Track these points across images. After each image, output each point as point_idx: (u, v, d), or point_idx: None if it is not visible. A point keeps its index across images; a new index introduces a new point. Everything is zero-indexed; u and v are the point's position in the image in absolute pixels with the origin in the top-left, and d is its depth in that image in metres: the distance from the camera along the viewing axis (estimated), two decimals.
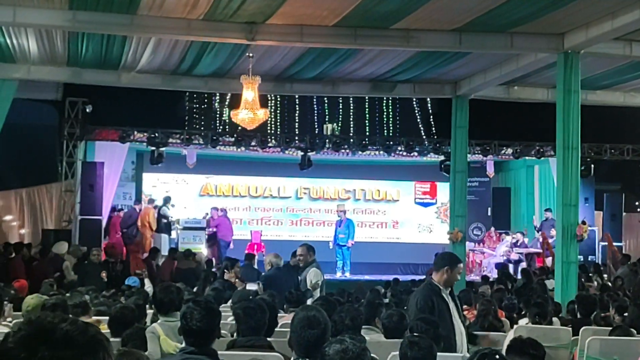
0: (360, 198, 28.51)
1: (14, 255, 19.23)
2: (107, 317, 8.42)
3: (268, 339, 6.62)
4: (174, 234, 23.90)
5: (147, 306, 10.44)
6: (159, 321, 7.50)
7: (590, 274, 19.97)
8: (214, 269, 20.35)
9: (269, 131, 24.74)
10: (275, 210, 27.85)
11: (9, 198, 23.48)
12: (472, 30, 15.54)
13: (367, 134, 25.84)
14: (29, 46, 17.47)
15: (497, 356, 4.79)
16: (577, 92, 15.47)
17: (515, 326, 9.98)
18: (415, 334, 6.36)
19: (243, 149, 24.15)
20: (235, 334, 7.46)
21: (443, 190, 27.24)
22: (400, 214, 28.70)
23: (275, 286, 11.93)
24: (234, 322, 8.92)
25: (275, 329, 7.76)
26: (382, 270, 25.67)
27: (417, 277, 22.04)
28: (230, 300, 11.26)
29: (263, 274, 14.08)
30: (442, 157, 24.50)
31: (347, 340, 4.46)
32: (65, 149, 22.94)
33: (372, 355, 4.73)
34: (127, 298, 11.99)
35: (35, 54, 18.06)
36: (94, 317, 9.05)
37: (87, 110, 22.45)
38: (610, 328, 9.28)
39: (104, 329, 8.19)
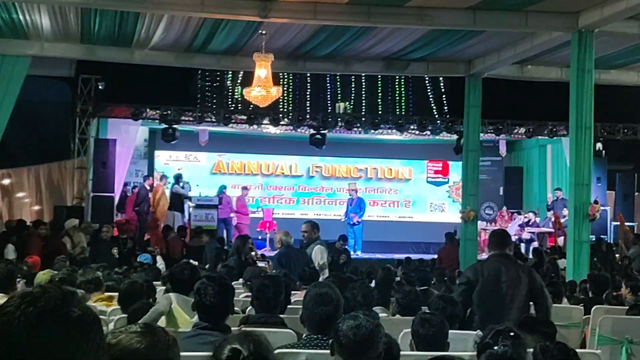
0: (372, 177, 28.51)
1: (28, 232, 19.29)
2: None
3: (285, 315, 6.63)
4: (186, 212, 23.95)
5: (160, 283, 10.49)
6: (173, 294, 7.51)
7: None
8: (225, 247, 20.42)
9: (281, 109, 24.70)
10: (287, 188, 27.87)
11: (22, 175, 23.52)
12: (486, 8, 15.50)
13: (380, 112, 25.78)
14: (42, 23, 17.47)
15: (512, 333, 4.79)
16: (590, 71, 15.41)
17: None
18: (427, 311, 6.36)
19: (255, 127, 24.13)
20: (247, 311, 7.50)
21: (455, 169, 27.25)
22: (412, 193, 28.70)
23: (286, 264, 11.94)
24: (246, 298, 8.98)
25: (288, 306, 7.79)
26: (394, 248, 25.67)
27: (428, 256, 22.06)
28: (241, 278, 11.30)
29: (275, 252, 14.08)
30: (455, 137, 24.43)
31: (360, 316, 4.47)
32: (78, 126, 22.94)
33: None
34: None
35: (49, 30, 18.06)
36: (106, 293, 9.09)
37: (100, 87, 22.43)
38: (622, 307, 9.27)
39: (115, 304, 8.24)
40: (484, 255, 23.34)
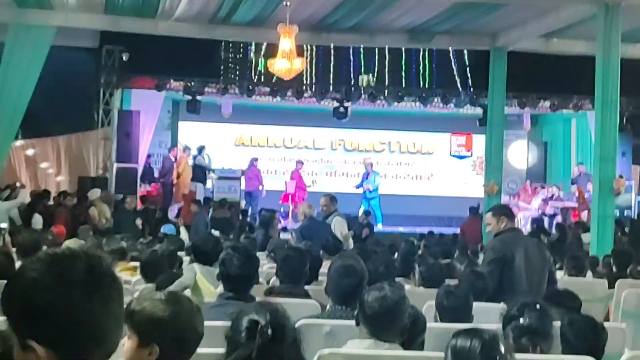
0: (395, 150, 28.51)
1: (54, 203, 19.42)
2: None
3: (309, 286, 6.64)
4: (209, 184, 24.02)
5: (184, 253, 10.54)
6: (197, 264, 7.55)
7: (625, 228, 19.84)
8: (248, 218, 20.50)
9: (304, 82, 24.64)
10: (310, 161, 27.86)
11: (46, 145, 23.65)
12: None
13: (403, 85, 25.66)
14: None
15: (538, 306, 4.79)
16: (617, 45, 15.27)
17: None
18: (451, 284, 6.37)
19: (278, 99, 24.12)
20: (272, 281, 7.53)
21: (479, 142, 27.16)
22: (436, 167, 28.68)
23: (309, 236, 11.97)
24: (270, 270, 9.02)
25: None
26: (417, 222, 25.65)
27: (451, 230, 22.04)
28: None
29: (298, 225, 14.10)
30: (480, 110, 24.34)
31: (386, 288, 4.49)
32: (102, 97, 23.01)
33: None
34: None
35: (73, 1, 18.08)
36: (131, 263, 9.15)
37: (124, 58, 22.43)
38: None
39: (139, 274, 8.29)
40: None
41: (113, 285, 2.05)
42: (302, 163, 25.79)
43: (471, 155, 28.76)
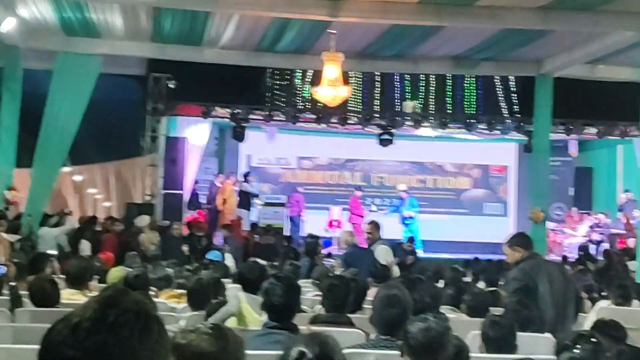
0: (431, 186, 28.41)
1: (102, 229, 19.59)
2: None
3: (354, 315, 6.65)
4: (254, 210, 24.14)
5: (230, 280, 10.59)
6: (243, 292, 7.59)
7: None
8: (293, 245, 20.53)
9: (349, 108, 24.71)
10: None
11: (94, 172, 23.91)
12: (558, 8, 15.37)
13: (449, 111, 25.66)
14: (114, 21, 17.76)
15: (593, 338, 4.78)
16: None
17: (596, 306, 9.87)
18: (496, 314, 6.35)
19: (324, 125, 24.20)
20: (317, 310, 7.55)
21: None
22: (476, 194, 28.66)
23: (353, 264, 11.97)
24: (315, 297, 9.04)
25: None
26: (462, 249, 25.51)
27: (496, 257, 21.92)
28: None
29: (343, 253, 14.08)
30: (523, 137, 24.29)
31: (430, 319, 4.50)
32: (149, 124, 23.23)
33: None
34: None
35: (121, 29, 18.34)
36: (177, 290, 9.21)
37: (171, 85, 22.67)
38: None
39: (185, 302, 8.33)
40: (552, 256, 23.22)
41: (158, 325, 2.09)
42: (361, 189, 25.84)
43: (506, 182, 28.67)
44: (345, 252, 13.15)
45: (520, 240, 8.44)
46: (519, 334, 5.86)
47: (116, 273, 9.64)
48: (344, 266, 12.18)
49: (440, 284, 10.87)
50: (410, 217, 24.80)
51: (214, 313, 6.90)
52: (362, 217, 24.21)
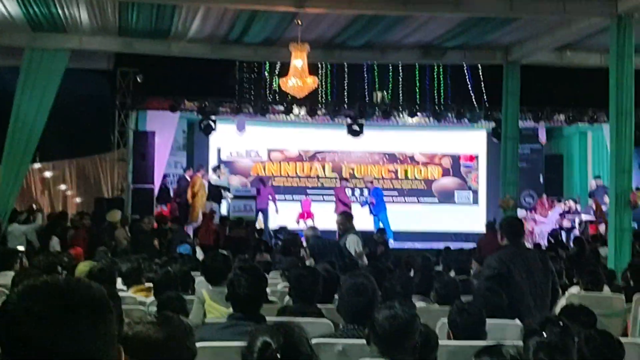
0: (402, 178, 28.39)
1: (71, 225, 19.47)
2: None
3: (324, 305, 6.62)
4: (224, 203, 24.06)
5: (199, 273, 10.54)
6: (207, 288, 7.54)
7: None
8: (264, 238, 20.50)
9: (318, 99, 24.69)
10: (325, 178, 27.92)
11: (63, 168, 23.77)
12: None
13: (417, 101, 25.69)
14: (80, 16, 17.57)
15: (561, 322, 4.77)
16: (630, 56, 15.21)
17: (567, 292, 9.89)
18: (464, 301, 6.33)
19: (293, 117, 24.16)
20: (285, 301, 7.51)
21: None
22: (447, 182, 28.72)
23: (319, 256, 11.92)
24: (284, 289, 9.00)
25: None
26: (433, 238, 25.59)
27: (468, 245, 21.94)
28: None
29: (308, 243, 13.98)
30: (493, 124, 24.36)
31: (396, 306, 4.47)
32: (117, 119, 23.12)
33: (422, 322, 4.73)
34: None
35: (87, 24, 18.17)
36: (147, 284, 9.14)
37: (139, 80, 22.57)
38: None
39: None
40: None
41: (109, 313, 2.07)
42: (347, 180, 25.90)
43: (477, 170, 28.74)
44: (309, 245, 13.08)
45: (506, 227, 8.42)
46: (488, 320, 5.84)
47: (83, 268, 9.51)
48: (313, 259, 12.13)
49: (411, 273, 10.85)
50: (372, 204, 24.87)
51: (167, 305, 6.81)
52: (349, 205, 24.24)
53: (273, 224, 23.86)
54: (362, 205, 25.21)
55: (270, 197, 24.38)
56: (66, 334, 1.97)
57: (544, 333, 4.65)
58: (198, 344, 3.68)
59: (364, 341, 4.70)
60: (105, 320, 2.06)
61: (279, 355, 3.18)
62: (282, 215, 24.40)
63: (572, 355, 4.70)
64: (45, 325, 1.96)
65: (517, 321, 6.41)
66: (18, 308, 2.00)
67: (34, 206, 20.39)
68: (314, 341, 4.83)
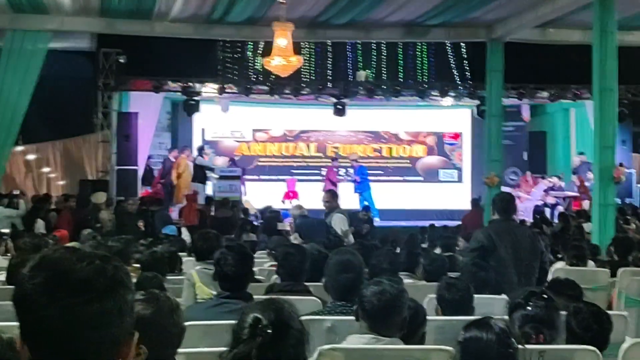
0: (387, 155, 28.41)
1: (56, 207, 19.43)
2: None
3: (316, 283, 6.64)
4: (209, 183, 24.02)
5: (186, 254, 10.55)
6: (196, 268, 7.56)
7: (628, 217, 19.81)
8: (250, 218, 20.48)
9: (302, 79, 24.64)
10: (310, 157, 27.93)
11: (46, 150, 23.67)
12: None
13: (401, 79, 25.69)
14: None
15: (545, 295, 4.80)
16: (613, 33, 15.24)
17: (552, 268, 9.94)
18: (452, 276, 6.36)
19: (277, 97, 24.12)
20: (273, 279, 7.52)
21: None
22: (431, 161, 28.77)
23: (306, 235, 11.96)
24: (271, 268, 9.01)
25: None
26: (418, 216, 25.63)
27: (452, 223, 22.00)
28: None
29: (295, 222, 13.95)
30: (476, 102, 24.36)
31: (384, 282, 4.48)
32: (100, 100, 23.02)
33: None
34: None
35: (69, 4, 18.06)
36: (134, 265, 9.13)
37: (121, 60, 22.47)
38: None
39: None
40: None
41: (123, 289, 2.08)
42: (337, 159, 25.91)
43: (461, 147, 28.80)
44: (296, 224, 13.10)
45: (498, 203, 8.44)
46: (475, 296, 5.87)
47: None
48: (300, 238, 12.15)
49: (397, 251, 10.88)
50: (357, 182, 24.93)
51: (145, 284, 6.80)
52: (336, 186, 24.29)
53: (259, 204, 23.83)
54: (357, 192, 25.26)
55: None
56: (85, 313, 1.97)
57: (528, 306, 4.69)
58: (186, 324, 3.70)
59: (352, 317, 4.72)
60: (124, 299, 2.06)
61: (269, 331, 3.19)
62: (268, 195, 24.38)
63: (558, 328, 4.74)
64: (62, 306, 1.95)
65: (504, 296, 6.44)
66: (34, 289, 1.98)
67: (16, 191, 20.30)
68: (302, 318, 4.85)
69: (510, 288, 7.41)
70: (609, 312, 5.48)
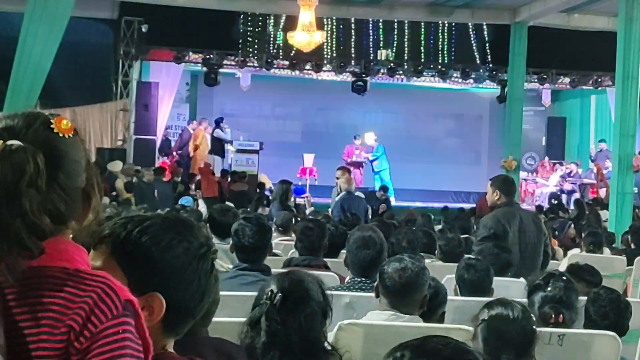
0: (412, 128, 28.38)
1: None
2: None
3: (333, 259, 6.62)
4: (227, 156, 24.00)
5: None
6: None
7: None
8: (265, 192, 20.47)
9: (324, 55, 24.57)
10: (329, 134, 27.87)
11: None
12: None
13: (422, 60, 25.60)
14: None
15: (564, 277, 4.78)
16: (638, 20, 15.14)
17: (568, 254, 9.91)
18: (473, 257, 6.34)
19: (297, 72, 24.05)
20: (290, 253, 7.51)
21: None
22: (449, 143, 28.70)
23: (348, 209, 12.00)
24: (280, 241, 9.02)
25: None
26: (433, 197, 25.58)
27: (468, 206, 21.95)
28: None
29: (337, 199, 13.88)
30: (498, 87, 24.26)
31: (406, 259, 4.46)
32: (120, 69, 23.00)
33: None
34: None
35: None
36: None
37: (143, 29, 22.43)
38: None
39: None
40: (524, 205, 23.26)
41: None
42: (356, 137, 25.82)
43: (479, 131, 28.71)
44: (340, 197, 13.06)
45: (502, 185, 8.36)
46: (496, 278, 5.86)
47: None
48: (339, 211, 12.14)
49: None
50: (372, 161, 24.85)
51: None
52: (356, 163, 24.22)
53: (274, 179, 23.79)
54: (374, 172, 25.17)
55: None
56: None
57: (548, 288, 4.67)
58: None
59: (371, 294, 4.71)
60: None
61: (278, 297, 3.17)
62: (285, 170, 24.33)
63: (576, 310, 4.72)
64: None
65: (522, 279, 6.42)
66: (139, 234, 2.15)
67: None
68: None
69: (515, 273, 7.37)
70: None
